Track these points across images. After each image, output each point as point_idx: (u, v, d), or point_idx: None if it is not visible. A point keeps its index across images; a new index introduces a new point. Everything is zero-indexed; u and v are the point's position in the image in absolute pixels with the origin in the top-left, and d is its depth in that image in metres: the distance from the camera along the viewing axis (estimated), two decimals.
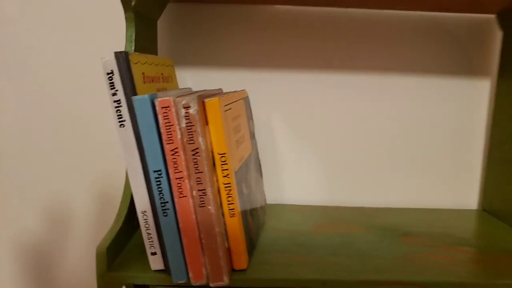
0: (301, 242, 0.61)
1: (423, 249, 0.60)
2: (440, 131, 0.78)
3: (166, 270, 0.50)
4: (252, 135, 0.68)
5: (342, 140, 0.78)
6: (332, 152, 0.78)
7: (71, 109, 0.76)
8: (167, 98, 0.45)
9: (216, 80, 0.75)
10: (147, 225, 0.50)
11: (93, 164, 0.77)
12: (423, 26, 0.75)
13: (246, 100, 0.67)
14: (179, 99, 0.45)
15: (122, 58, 0.46)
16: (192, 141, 0.45)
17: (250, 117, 0.69)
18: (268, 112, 0.77)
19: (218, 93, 0.61)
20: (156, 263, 0.51)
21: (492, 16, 0.75)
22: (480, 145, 0.79)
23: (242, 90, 0.67)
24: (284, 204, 0.78)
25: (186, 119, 0.45)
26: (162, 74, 0.59)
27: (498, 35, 0.75)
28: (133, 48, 0.58)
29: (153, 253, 0.51)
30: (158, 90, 0.56)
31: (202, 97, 0.48)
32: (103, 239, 0.52)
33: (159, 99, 0.45)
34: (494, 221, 0.73)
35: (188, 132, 0.45)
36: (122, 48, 0.73)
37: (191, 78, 0.75)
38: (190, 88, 0.66)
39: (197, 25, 0.74)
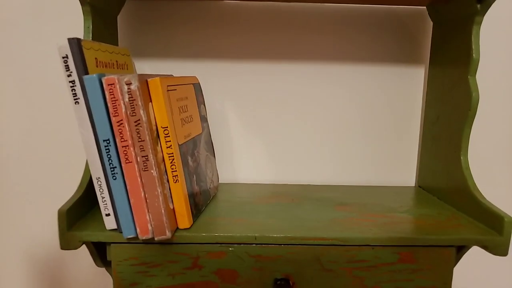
0: (244, 210, 0.68)
1: (351, 215, 0.67)
2: (381, 115, 0.86)
3: (118, 229, 0.58)
4: (204, 119, 0.76)
5: (288, 124, 0.85)
6: (280, 136, 0.86)
7: (48, 104, 0.83)
8: (112, 76, 0.52)
9: (172, 70, 0.82)
10: (101, 190, 0.57)
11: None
12: (362, 19, 0.83)
13: (196, 86, 0.74)
14: (122, 77, 0.52)
15: (74, 43, 0.54)
16: (134, 113, 0.52)
17: (201, 102, 0.76)
18: (222, 100, 0.84)
19: (167, 76, 0.69)
20: (110, 223, 0.58)
21: (423, 8, 0.83)
22: (417, 127, 0.87)
23: (192, 76, 0.75)
24: (237, 183, 0.85)
25: (129, 94, 0.52)
26: (116, 61, 0.66)
27: (429, 25, 0.83)
28: (91, 38, 0.65)
29: (107, 214, 0.58)
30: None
31: (145, 77, 0.56)
32: (65, 203, 0.59)
33: (106, 77, 0.52)
34: (424, 194, 0.80)
35: (131, 105, 0.52)
36: None
37: (149, 69, 0.82)
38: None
39: (155, 20, 0.81)
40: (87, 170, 0.63)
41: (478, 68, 0.83)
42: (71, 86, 0.55)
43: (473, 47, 0.67)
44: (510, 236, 0.59)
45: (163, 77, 0.58)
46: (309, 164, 0.87)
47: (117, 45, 0.78)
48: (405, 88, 0.85)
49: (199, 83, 0.76)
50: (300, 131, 0.86)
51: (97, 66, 0.58)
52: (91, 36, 0.65)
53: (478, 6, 0.65)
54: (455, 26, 0.72)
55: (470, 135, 0.68)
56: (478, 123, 0.86)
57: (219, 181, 0.87)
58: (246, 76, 0.83)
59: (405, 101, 0.86)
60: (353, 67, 0.84)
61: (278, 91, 0.84)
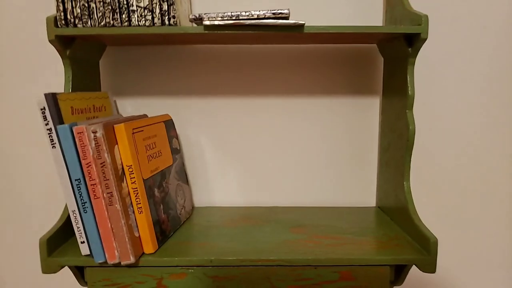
0: (209, 233, 0.77)
1: (302, 237, 0.75)
2: (342, 142, 0.94)
3: (91, 254, 0.67)
4: (176, 151, 0.85)
5: (258, 152, 0.94)
6: (250, 162, 0.94)
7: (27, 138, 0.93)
8: (81, 126, 0.61)
9: (150, 107, 0.92)
10: (76, 221, 0.66)
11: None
12: (323, 56, 0.91)
13: (168, 122, 0.83)
14: (89, 126, 0.62)
15: (50, 98, 0.63)
16: (100, 157, 0.62)
17: (174, 136, 0.85)
18: (196, 131, 0.93)
19: (139, 118, 0.78)
20: (84, 249, 0.67)
21: (374, 45, 0.91)
22: (375, 152, 0.94)
23: (164, 114, 0.84)
24: (212, 207, 0.94)
25: (95, 140, 0.61)
26: (93, 105, 0.76)
27: (380, 60, 0.91)
28: (71, 86, 0.75)
29: (82, 242, 0.67)
30: (88, 118, 0.73)
31: (111, 123, 0.65)
32: (46, 233, 0.68)
33: (75, 127, 0.61)
34: (380, 215, 0.88)
35: (97, 150, 0.62)
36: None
37: (130, 107, 0.92)
38: (121, 115, 0.83)
39: (134, 63, 0.91)
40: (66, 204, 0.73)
41: (427, 99, 0.91)
42: (48, 133, 0.64)
43: (408, 85, 0.75)
44: (436, 255, 0.66)
45: (129, 121, 0.67)
46: (277, 188, 0.95)
47: (100, 86, 0.88)
48: (363, 117, 0.93)
49: (171, 119, 0.85)
50: (269, 158, 0.94)
51: (72, 114, 0.68)
52: (70, 85, 0.75)
53: (410, 49, 0.73)
54: (398, 63, 0.80)
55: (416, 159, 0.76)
56: (426, 149, 0.93)
57: (195, 205, 0.95)
58: (218, 110, 0.92)
59: (363, 129, 0.94)
60: (315, 99, 0.92)
61: (247, 122, 0.93)
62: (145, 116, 0.83)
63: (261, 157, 0.94)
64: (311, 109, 0.93)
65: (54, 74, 0.91)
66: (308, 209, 0.91)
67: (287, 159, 0.95)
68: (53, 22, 0.69)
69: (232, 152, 0.94)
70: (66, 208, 0.73)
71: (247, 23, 0.67)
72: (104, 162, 0.62)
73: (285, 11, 0.67)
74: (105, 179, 0.62)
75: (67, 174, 0.64)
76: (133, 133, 0.67)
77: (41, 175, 0.95)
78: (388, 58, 0.86)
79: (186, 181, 0.88)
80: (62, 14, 0.69)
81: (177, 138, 0.86)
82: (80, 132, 0.61)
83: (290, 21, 0.67)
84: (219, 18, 0.68)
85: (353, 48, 0.91)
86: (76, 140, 0.62)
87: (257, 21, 0.67)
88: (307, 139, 0.94)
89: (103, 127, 0.61)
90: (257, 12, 0.67)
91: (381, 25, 0.90)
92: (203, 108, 0.93)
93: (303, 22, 0.68)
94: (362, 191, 0.96)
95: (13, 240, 0.97)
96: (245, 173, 0.95)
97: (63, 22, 0.69)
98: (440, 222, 0.96)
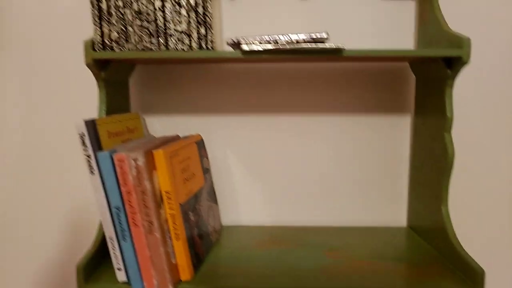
0: (242, 257, 0.76)
1: (340, 262, 0.74)
2: (371, 160, 0.93)
3: (129, 282, 0.66)
4: (206, 171, 0.84)
5: (286, 169, 0.93)
6: (278, 181, 0.93)
7: (61, 160, 0.93)
8: (122, 153, 0.61)
9: (178, 125, 0.91)
10: (113, 248, 0.65)
11: (74, 202, 0.94)
12: (352, 74, 0.90)
13: (199, 142, 0.82)
14: (130, 154, 0.61)
15: (89, 124, 0.63)
16: (140, 185, 0.61)
17: (204, 156, 0.84)
18: (223, 149, 0.92)
19: (172, 139, 0.77)
20: (121, 276, 0.66)
21: (406, 64, 0.90)
22: (406, 170, 0.93)
23: (196, 134, 0.83)
24: (239, 226, 0.93)
25: (136, 168, 0.61)
26: (127, 127, 0.75)
27: (413, 79, 0.90)
28: (105, 108, 0.74)
29: (119, 269, 0.66)
30: (123, 141, 0.72)
31: (150, 149, 0.64)
32: (81, 259, 0.67)
33: (116, 154, 0.61)
34: (413, 237, 0.86)
35: (137, 178, 0.61)
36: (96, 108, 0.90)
37: (159, 124, 0.91)
38: (152, 136, 0.83)
39: (163, 81, 0.90)
40: (100, 229, 0.72)
41: (461, 118, 0.89)
42: (87, 159, 0.64)
43: (446, 107, 0.73)
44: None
45: (166, 146, 0.66)
46: (305, 206, 0.94)
47: (129, 105, 0.87)
48: (393, 135, 0.92)
49: (202, 139, 0.84)
50: (297, 176, 0.93)
51: (109, 138, 0.67)
52: (104, 107, 0.74)
53: (449, 71, 0.72)
54: (433, 83, 0.79)
55: (454, 181, 0.75)
56: (461, 170, 0.92)
57: (223, 224, 0.94)
58: (246, 128, 0.92)
59: (393, 147, 0.92)
60: (345, 117, 0.91)
61: (275, 140, 0.92)
62: (177, 137, 0.82)
63: (290, 175, 0.93)
64: (340, 127, 0.92)
65: (83, 95, 0.91)
66: (339, 230, 0.90)
67: (316, 178, 0.93)
68: (90, 45, 0.69)
69: (260, 170, 0.93)
70: (99, 233, 0.72)
71: (286, 48, 0.66)
72: (144, 190, 0.61)
73: (324, 35, 0.66)
74: (145, 207, 0.61)
75: (106, 201, 0.64)
76: (171, 157, 0.67)
77: (68, 201, 0.95)
78: (422, 77, 0.84)
79: (215, 201, 0.87)
80: (99, 38, 0.68)
81: (207, 157, 0.86)
82: (121, 160, 0.61)
83: (330, 45, 0.66)
84: (257, 43, 0.67)
85: (383, 66, 0.90)
86: (117, 167, 0.61)
87: (296, 45, 0.66)
88: (335, 157, 0.93)
89: (143, 155, 0.61)
90: (296, 37, 0.67)
91: (412, 44, 0.89)
92: (231, 125, 0.92)
93: (343, 47, 0.67)
94: (392, 210, 0.95)
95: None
96: (273, 192, 0.94)
97: (100, 45, 0.69)
98: (477, 248, 0.94)
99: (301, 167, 0.93)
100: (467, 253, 0.70)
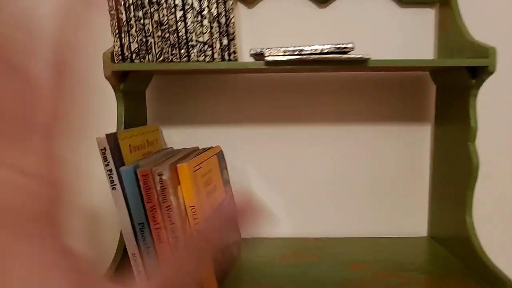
0: (266, 272, 0.74)
1: (365, 276, 0.72)
2: (390, 170, 0.91)
3: None
4: (226, 182, 0.82)
5: (306, 181, 0.91)
6: (298, 191, 0.92)
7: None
8: (146, 168, 0.59)
9: (196, 136, 0.90)
10: (136, 264, 0.64)
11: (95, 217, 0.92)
12: (370, 83, 0.89)
13: (219, 154, 0.81)
14: (155, 168, 0.59)
15: (111, 138, 0.61)
16: (165, 200, 0.60)
17: (224, 167, 0.83)
18: (242, 160, 0.91)
19: (193, 152, 0.76)
20: None
21: (426, 73, 0.89)
22: (426, 179, 0.92)
23: (216, 146, 0.82)
24: (259, 238, 0.91)
25: (160, 183, 0.59)
26: (147, 140, 0.74)
27: (433, 87, 0.89)
28: (123, 120, 0.73)
29: None
30: (144, 155, 0.71)
31: (175, 163, 0.63)
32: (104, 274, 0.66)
33: (140, 169, 0.59)
34: (435, 247, 0.85)
35: (162, 193, 0.59)
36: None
37: (176, 136, 0.90)
38: (172, 148, 0.81)
39: (180, 92, 0.89)
40: (120, 246, 0.70)
41: (482, 129, 0.88)
42: (108, 174, 0.62)
43: (470, 117, 0.72)
44: None
45: (190, 160, 0.65)
46: (326, 217, 0.93)
47: (146, 116, 0.86)
48: (412, 144, 0.91)
49: (221, 150, 0.83)
50: (318, 187, 0.92)
51: (130, 152, 0.66)
52: (123, 119, 0.73)
53: (473, 81, 0.71)
54: (455, 92, 0.78)
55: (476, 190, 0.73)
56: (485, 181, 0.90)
57: (242, 236, 0.93)
58: (264, 139, 0.90)
59: (413, 156, 0.91)
60: (363, 126, 0.90)
61: (295, 151, 0.91)
62: (197, 148, 0.81)
63: (310, 186, 0.92)
64: (360, 137, 0.91)
65: (100, 106, 0.90)
66: (360, 241, 0.88)
67: (336, 188, 0.92)
68: (110, 57, 0.67)
69: (279, 181, 0.92)
70: (120, 248, 0.70)
71: (311, 58, 0.65)
72: (170, 205, 0.60)
73: (350, 45, 0.65)
74: (170, 223, 0.60)
75: (129, 217, 0.62)
76: (194, 171, 0.65)
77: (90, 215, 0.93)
78: (443, 86, 0.83)
79: None
80: (119, 49, 0.67)
81: (226, 169, 0.84)
82: (145, 175, 0.59)
83: (356, 55, 0.65)
84: (281, 54, 0.66)
85: (402, 75, 0.89)
86: (140, 182, 0.60)
87: (320, 56, 0.65)
88: (355, 167, 0.91)
89: (168, 169, 0.59)
90: (321, 47, 0.65)
91: (431, 51, 0.88)
92: (250, 136, 0.90)
93: (369, 57, 0.66)
94: (412, 220, 0.93)
95: None
96: (293, 203, 0.92)
97: (120, 57, 0.68)
98: (501, 258, 0.93)
99: (321, 177, 0.92)
100: (494, 265, 0.68)
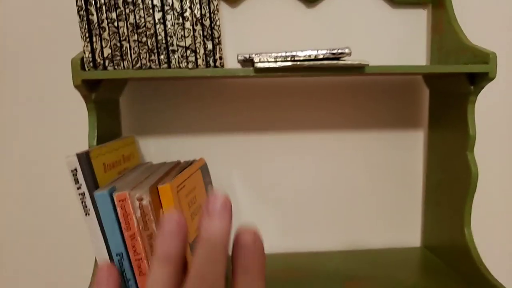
0: None
1: None
2: (384, 178, 0.87)
3: None
4: None
5: (294, 192, 0.86)
6: (286, 203, 0.86)
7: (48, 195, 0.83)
8: (123, 192, 0.52)
9: (176, 147, 0.83)
10: None
11: (66, 245, 0.84)
12: (362, 87, 0.84)
13: (203, 168, 0.74)
14: (133, 192, 0.52)
15: (83, 157, 0.54)
16: (146, 228, 0.53)
17: (209, 182, 0.76)
18: (227, 172, 0.85)
19: (174, 167, 0.69)
20: None
21: (419, 76, 0.85)
22: (419, 188, 0.88)
23: (199, 159, 0.75)
24: None
25: (140, 209, 0.52)
26: (123, 155, 0.66)
27: (426, 91, 0.85)
28: (95, 135, 0.65)
29: None
30: (120, 173, 0.64)
31: (155, 183, 0.56)
32: None
33: (117, 193, 0.52)
34: (430, 259, 0.81)
35: (143, 220, 0.53)
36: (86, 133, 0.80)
37: (154, 147, 0.82)
38: (150, 162, 0.74)
39: (156, 98, 0.82)
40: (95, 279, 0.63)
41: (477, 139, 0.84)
42: (81, 199, 0.55)
43: (469, 124, 0.69)
44: None
45: (172, 179, 0.58)
46: (317, 230, 0.88)
47: (120, 126, 0.78)
48: (406, 150, 0.87)
49: (205, 163, 0.76)
50: (306, 198, 0.87)
51: (105, 171, 0.59)
52: (95, 132, 0.65)
53: (472, 87, 0.67)
54: (450, 97, 0.74)
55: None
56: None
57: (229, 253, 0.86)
58: (250, 148, 0.84)
59: (406, 163, 0.87)
60: (354, 134, 0.86)
61: (283, 160, 0.85)
62: (179, 162, 0.74)
63: (298, 196, 0.87)
64: (349, 144, 0.86)
65: (69, 117, 0.81)
66: (354, 254, 0.84)
67: (326, 198, 0.87)
68: (79, 64, 0.60)
69: (267, 193, 0.86)
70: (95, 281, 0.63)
71: (305, 65, 0.59)
72: (152, 233, 0.53)
73: (346, 50, 0.60)
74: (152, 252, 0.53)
75: (105, 247, 0.55)
76: (177, 192, 0.59)
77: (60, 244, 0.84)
78: (437, 91, 0.80)
79: None
80: (90, 55, 0.60)
81: (211, 184, 0.78)
82: (122, 200, 0.52)
83: (353, 62, 0.60)
84: (272, 60, 0.60)
85: (394, 79, 0.85)
86: (118, 208, 0.53)
87: (315, 62, 0.60)
88: (345, 175, 0.87)
89: (149, 193, 0.53)
90: (315, 52, 0.60)
91: (424, 54, 0.84)
92: (234, 146, 0.84)
93: (367, 63, 0.61)
94: (405, 229, 0.89)
95: None
96: (281, 215, 0.87)
97: (90, 64, 0.60)
98: (497, 269, 0.90)
99: (309, 187, 0.86)
100: (494, 278, 0.66)
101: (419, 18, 0.83)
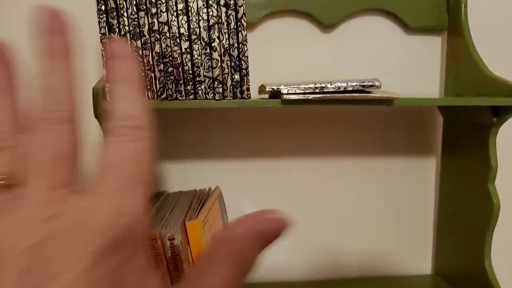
0: None
1: None
2: (394, 205, 0.86)
3: None
4: None
5: (306, 218, 0.85)
6: (298, 230, 0.85)
7: None
8: (153, 231, 0.50)
9: (187, 172, 0.80)
10: None
11: None
12: (374, 114, 0.84)
13: (219, 197, 0.72)
14: (164, 231, 0.50)
15: None
16: (177, 269, 0.50)
17: (224, 211, 0.74)
18: (237, 198, 0.83)
19: (193, 197, 0.67)
20: None
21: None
22: (430, 217, 0.88)
23: (216, 187, 0.73)
24: (260, 283, 0.83)
25: (171, 249, 0.50)
26: None
27: (440, 120, 0.85)
28: None
29: None
30: None
31: (183, 221, 0.54)
32: None
33: None
34: (444, 286, 0.81)
35: (174, 260, 0.50)
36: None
37: (166, 172, 0.80)
38: (166, 191, 0.72)
39: (168, 124, 0.79)
40: None
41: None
42: None
43: (490, 156, 0.69)
44: None
45: (198, 214, 0.56)
46: (327, 257, 0.86)
47: None
48: (417, 178, 0.87)
49: (221, 191, 0.74)
50: (317, 224, 0.85)
51: None
52: None
53: (495, 119, 0.67)
54: (469, 127, 0.74)
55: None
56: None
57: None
58: (262, 174, 0.83)
59: (418, 191, 0.87)
60: (365, 160, 0.85)
61: (294, 187, 0.84)
62: (195, 192, 0.71)
63: (309, 224, 0.85)
64: (359, 170, 0.85)
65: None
66: (365, 282, 0.83)
67: (337, 224, 0.86)
68: (100, 93, 0.57)
69: None
70: None
71: (336, 97, 0.58)
72: (181, 274, 0.50)
73: (377, 83, 0.59)
74: None
75: None
76: (203, 227, 0.56)
77: None
78: (452, 120, 0.80)
79: None
80: None
81: (226, 212, 0.76)
82: (153, 239, 0.50)
83: (383, 95, 0.59)
84: (301, 92, 0.58)
85: (406, 106, 0.85)
86: None
87: (345, 95, 0.59)
88: (354, 202, 0.86)
89: (180, 232, 0.50)
90: (344, 84, 0.59)
91: (437, 82, 0.84)
92: (246, 172, 0.82)
93: (397, 95, 0.60)
94: (415, 256, 0.89)
95: None
96: (294, 242, 0.85)
97: None
98: None
99: (322, 214, 0.85)
100: None
101: (434, 45, 0.83)
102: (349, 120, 0.83)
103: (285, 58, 0.80)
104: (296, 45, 0.80)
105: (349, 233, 0.86)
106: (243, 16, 0.57)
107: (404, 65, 0.83)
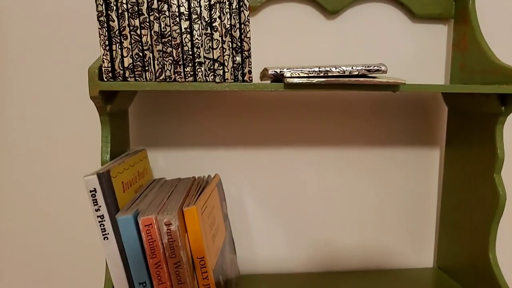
0: None
1: None
2: (398, 197, 0.85)
3: None
4: (226, 217, 0.72)
5: (306, 209, 0.83)
6: (297, 221, 0.83)
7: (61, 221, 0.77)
8: (149, 216, 0.48)
9: (185, 159, 0.78)
10: None
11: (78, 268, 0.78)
12: (377, 103, 0.82)
13: (219, 184, 0.70)
14: (160, 217, 0.48)
15: (104, 177, 0.49)
16: (174, 255, 0.49)
17: (223, 199, 0.72)
18: (237, 187, 0.81)
19: (192, 184, 0.65)
20: None
21: (438, 94, 0.83)
22: (433, 209, 0.86)
23: (215, 176, 0.71)
24: (257, 274, 0.81)
25: (168, 235, 0.48)
26: (138, 172, 0.62)
27: (444, 109, 0.83)
28: (109, 148, 0.60)
29: None
30: (136, 191, 0.59)
31: (180, 206, 0.52)
32: None
33: (142, 218, 0.48)
34: (446, 281, 0.79)
35: (170, 247, 0.48)
36: (98, 146, 0.75)
37: (164, 159, 0.78)
38: (164, 178, 0.70)
39: (166, 110, 0.77)
40: None
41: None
42: (99, 221, 0.50)
43: (497, 146, 0.67)
44: None
45: (196, 200, 0.54)
46: (328, 249, 0.85)
47: (128, 138, 0.73)
48: (421, 169, 0.85)
49: (220, 180, 0.72)
50: (317, 215, 0.84)
51: (124, 191, 0.54)
52: (109, 146, 0.61)
53: (503, 108, 0.66)
54: (474, 117, 0.72)
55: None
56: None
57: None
58: (261, 163, 0.81)
59: (421, 182, 0.85)
60: (368, 150, 0.83)
61: (293, 176, 0.82)
62: (194, 179, 0.69)
63: (309, 214, 0.83)
64: (362, 161, 0.83)
65: (75, 126, 0.76)
66: (366, 274, 0.81)
67: (339, 215, 0.84)
68: (97, 74, 0.55)
69: (276, 208, 0.83)
70: None
71: (340, 81, 0.56)
72: (179, 262, 0.49)
73: (383, 68, 0.57)
74: (180, 282, 0.49)
75: (125, 275, 0.50)
76: (202, 214, 0.54)
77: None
78: (457, 110, 0.78)
79: (234, 251, 0.75)
80: (109, 64, 0.55)
81: (225, 200, 0.74)
82: (149, 224, 0.48)
83: (389, 80, 0.57)
84: (305, 75, 0.56)
85: (410, 95, 0.83)
86: (143, 234, 0.48)
87: (350, 79, 0.57)
88: (356, 193, 0.84)
89: (177, 217, 0.48)
90: (349, 68, 0.57)
91: (443, 70, 0.83)
92: (246, 160, 0.80)
93: (403, 81, 0.58)
94: (417, 249, 0.87)
95: None
96: (293, 234, 0.83)
97: (110, 74, 0.55)
98: None
99: (323, 205, 0.83)
100: None
101: (440, 33, 0.81)
102: (352, 109, 0.82)
103: (288, 44, 0.78)
104: (299, 31, 0.78)
105: (350, 224, 0.85)
106: None
107: (409, 54, 0.81)
